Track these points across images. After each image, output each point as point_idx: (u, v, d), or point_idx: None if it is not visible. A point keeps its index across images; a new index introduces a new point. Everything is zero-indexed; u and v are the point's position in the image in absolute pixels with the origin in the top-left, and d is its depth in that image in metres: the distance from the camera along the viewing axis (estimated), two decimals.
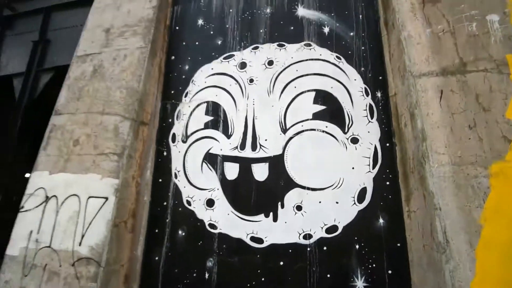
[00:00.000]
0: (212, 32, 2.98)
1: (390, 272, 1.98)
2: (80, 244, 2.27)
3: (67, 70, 4.91)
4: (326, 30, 2.66)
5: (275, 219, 2.30)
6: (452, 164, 1.72)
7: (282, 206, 2.30)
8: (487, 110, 1.82)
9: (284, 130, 2.48)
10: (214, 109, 2.73)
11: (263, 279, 2.20)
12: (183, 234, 2.50)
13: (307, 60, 2.61)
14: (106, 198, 2.33)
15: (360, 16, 2.62)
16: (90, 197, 2.37)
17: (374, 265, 2.01)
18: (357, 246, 2.07)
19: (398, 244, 2.01)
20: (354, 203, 2.16)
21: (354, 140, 2.30)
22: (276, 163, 2.43)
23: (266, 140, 2.51)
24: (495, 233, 1.58)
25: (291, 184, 2.33)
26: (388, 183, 2.15)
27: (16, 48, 5.88)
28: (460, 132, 1.80)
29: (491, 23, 2.07)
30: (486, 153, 1.72)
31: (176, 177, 2.66)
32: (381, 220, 2.09)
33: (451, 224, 1.61)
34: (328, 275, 2.07)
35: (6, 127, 5.19)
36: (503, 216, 1.61)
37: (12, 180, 5.02)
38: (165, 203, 2.62)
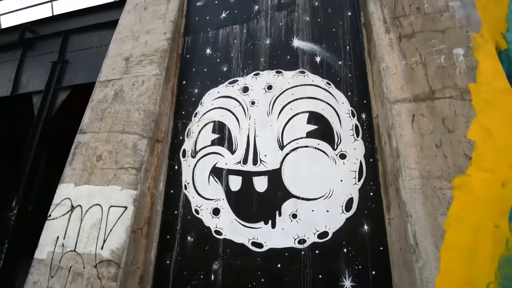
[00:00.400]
0: (218, 60, 3.39)
1: (374, 272, 2.25)
2: (102, 248, 2.58)
3: (84, 88, 5.38)
4: (318, 59, 3.04)
5: (273, 226, 2.59)
6: (421, 178, 2.04)
7: (280, 214, 2.60)
8: (451, 131, 2.15)
9: (282, 147, 2.82)
10: (220, 128, 3.08)
11: (263, 280, 2.48)
12: (192, 240, 2.79)
13: (301, 85, 2.98)
14: (126, 207, 2.66)
15: (348, 47, 3.00)
16: (111, 206, 2.71)
17: (360, 267, 2.29)
18: (345, 250, 2.35)
19: (381, 248, 2.29)
20: (342, 212, 2.46)
21: (342, 156, 2.62)
22: (274, 176, 2.75)
23: (265, 155, 2.84)
24: (456, 236, 1.87)
25: (288, 195, 2.64)
26: (371, 194, 2.45)
27: (36, 68, 6.42)
28: (429, 151, 2.12)
29: (456, 56, 2.43)
30: (450, 169, 2.03)
31: (186, 188, 2.99)
32: (365, 227, 2.37)
33: (420, 229, 1.91)
34: (320, 276, 2.35)
35: (25, 141, 5.60)
36: (463, 222, 1.90)
37: (29, 191, 5.37)
38: (176, 212, 2.93)
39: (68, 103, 5.67)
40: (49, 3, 7.04)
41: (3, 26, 7.35)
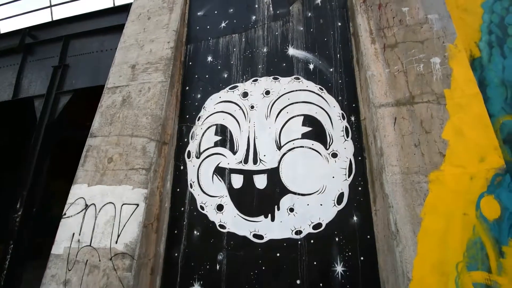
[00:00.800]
0: (219, 67, 3.63)
1: (362, 258, 2.54)
2: (116, 242, 2.82)
3: (85, 93, 5.56)
4: (311, 66, 3.31)
5: (272, 219, 2.86)
6: (402, 173, 2.33)
7: (278, 209, 2.87)
8: (428, 132, 2.44)
9: (279, 147, 3.09)
10: (222, 130, 3.34)
11: (263, 268, 2.75)
12: (198, 234, 3.05)
13: (296, 90, 3.25)
14: (137, 205, 2.90)
15: (338, 55, 3.28)
16: (123, 204, 2.94)
17: (350, 254, 2.57)
18: (336, 239, 2.64)
19: (368, 236, 2.58)
20: (334, 205, 2.74)
21: (334, 155, 2.90)
22: (273, 174, 3.01)
23: (264, 155, 3.10)
24: (431, 224, 2.16)
25: (285, 191, 2.91)
26: (360, 188, 2.73)
27: (37, 72, 6.57)
28: (408, 149, 2.41)
29: (434, 65, 2.72)
30: (426, 165, 2.33)
31: (191, 187, 3.24)
32: (355, 218, 2.66)
33: (400, 218, 2.19)
34: (315, 263, 2.63)
35: (29, 144, 5.77)
36: (437, 211, 2.19)
37: (32, 193, 5.54)
38: (182, 209, 3.18)
39: (69, 107, 5.85)
40: (49, 9, 7.18)
41: (2, 31, 7.46)
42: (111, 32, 5.84)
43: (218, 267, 2.87)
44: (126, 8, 5.76)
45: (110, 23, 5.92)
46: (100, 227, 2.93)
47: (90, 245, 2.89)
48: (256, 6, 3.78)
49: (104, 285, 2.66)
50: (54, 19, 6.94)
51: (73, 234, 3.01)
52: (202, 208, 3.12)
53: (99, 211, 3.00)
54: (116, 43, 5.44)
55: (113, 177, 3.09)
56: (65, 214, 3.13)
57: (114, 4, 6.45)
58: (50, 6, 7.22)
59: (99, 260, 2.80)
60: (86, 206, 3.07)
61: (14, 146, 8.62)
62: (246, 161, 3.13)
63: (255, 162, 3.10)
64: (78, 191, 3.17)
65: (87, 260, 2.85)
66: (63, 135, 6.18)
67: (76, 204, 3.12)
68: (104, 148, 3.27)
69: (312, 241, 2.69)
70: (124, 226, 2.84)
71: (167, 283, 2.93)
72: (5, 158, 9.21)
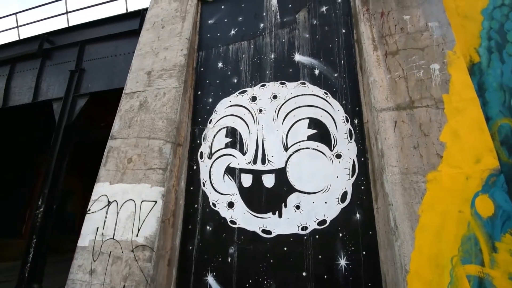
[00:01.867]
0: (229, 73, 3.85)
1: (364, 252, 2.72)
2: (137, 235, 3.08)
3: (100, 96, 5.87)
4: (316, 72, 3.49)
5: (280, 216, 3.07)
6: (401, 174, 2.50)
7: (285, 206, 3.08)
8: (427, 135, 2.60)
9: (286, 149, 3.28)
10: (232, 132, 3.56)
11: (272, 261, 2.96)
12: (210, 229, 3.28)
13: (302, 95, 3.44)
14: (155, 202, 3.15)
15: (342, 61, 3.45)
16: (143, 201, 3.20)
17: (353, 248, 2.76)
18: (340, 235, 2.82)
19: (370, 232, 2.76)
20: (338, 203, 2.93)
21: (338, 156, 3.09)
22: (280, 173, 3.22)
23: (272, 156, 3.31)
24: (428, 220, 2.33)
25: (292, 190, 3.11)
26: (362, 187, 2.91)
27: (55, 76, 6.93)
28: (407, 151, 2.58)
29: (433, 71, 2.87)
30: (424, 166, 2.49)
31: (204, 185, 3.47)
32: (358, 215, 2.84)
33: (399, 215, 2.37)
34: (320, 256, 2.82)
35: (49, 145, 6.10)
36: (434, 209, 2.36)
37: (53, 191, 5.87)
38: (196, 206, 3.42)
39: (86, 110, 6.17)
40: (65, 15, 7.52)
41: (21, 37, 7.86)
42: (124, 37, 6.14)
43: (229, 259, 3.09)
44: (138, 14, 6.05)
45: (123, 29, 6.21)
46: (122, 222, 3.19)
47: (113, 238, 3.16)
48: (264, 14, 3.98)
49: (127, 274, 2.92)
50: (70, 25, 7.28)
51: (97, 228, 3.28)
52: (214, 205, 3.35)
53: (120, 207, 3.27)
54: (129, 48, 5.74)
55: (132, 176, 3.35)
56: (89, 210, 3.42)
57: (127, 10, 6.74)
58: (67, 12, 7.57)
59: (122, 252, 3.07)
60: (109, 203, 3.34)
61: (30, 146, 9.04)
62: (255, 161, 3.35)
63: (263, 162, 3.31)
64: (101, 189, 3.44)
65: (110, 252, 3.12)
66: (80, 136, 6.51)
67: (100, 201, 3.40)
68: (124, 149, 3.53)
69: (317, 236, 2.89)
70: (144, 221, 3.10)
71: (183, 274, 3.17)
72: (21, 158, 9.68)
